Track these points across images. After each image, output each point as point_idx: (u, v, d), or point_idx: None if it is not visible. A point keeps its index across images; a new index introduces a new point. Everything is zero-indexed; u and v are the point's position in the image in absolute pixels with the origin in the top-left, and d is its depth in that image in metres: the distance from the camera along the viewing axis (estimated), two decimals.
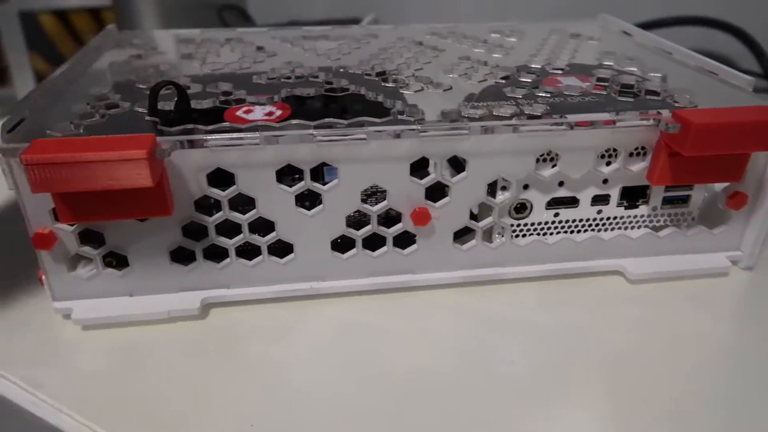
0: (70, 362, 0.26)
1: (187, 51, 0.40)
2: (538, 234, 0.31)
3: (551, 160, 0.29)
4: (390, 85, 0.32)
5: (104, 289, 0.28)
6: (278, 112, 0.29)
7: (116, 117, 0.28)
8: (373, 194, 0.29)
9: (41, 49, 0.74)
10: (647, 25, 0.57)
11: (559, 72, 0.35)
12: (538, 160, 0.29)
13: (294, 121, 0.27)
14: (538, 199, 0.30)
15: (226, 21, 0.72)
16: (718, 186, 0.32)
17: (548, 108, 0.29)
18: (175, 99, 0.28)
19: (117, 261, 0.28)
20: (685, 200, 0.31)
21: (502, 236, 0.30)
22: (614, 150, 0.29)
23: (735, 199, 0.30)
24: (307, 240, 0.29)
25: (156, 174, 0.24)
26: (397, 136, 0.27)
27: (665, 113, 0.28)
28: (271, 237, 0.28)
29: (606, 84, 0.32)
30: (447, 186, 0.28)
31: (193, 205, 0.27)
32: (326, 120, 0.27)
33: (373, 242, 0.29)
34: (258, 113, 0.29)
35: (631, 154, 0.29)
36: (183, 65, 0.37)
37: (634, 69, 0.35)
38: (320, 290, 0.30)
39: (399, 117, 0.28)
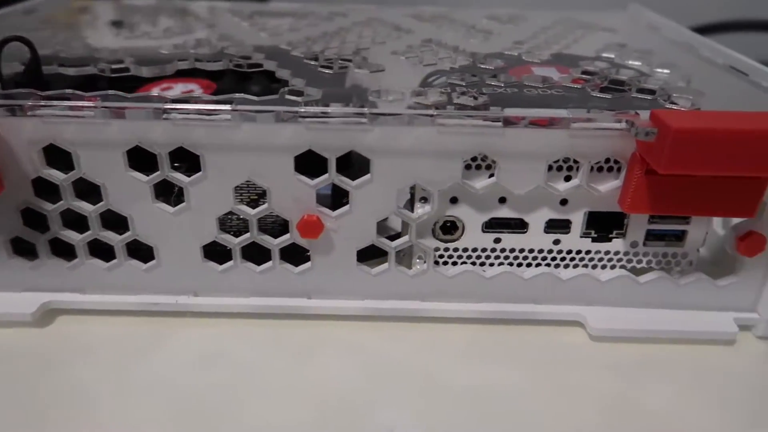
0: None
1: (118, 19, 0.35)
2: (473, 264, 0.24)
3: (487, 167, 0.22)
4: (312, 63, 0.26)
5: None
6: (199, 91, 0.24)
7: None
8: (264, 194, 0.24)
9: None
10: (713, 28, 0.48)
11: (537, 62, 0.27)
12: (469, 167, 0.22)
13: (155, 94, 0.22)
14: (471, 217, 0.23)
15: None
16: (727, 221, 0.24)
17: (487, 99, 0.22)
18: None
19: None
20: (679, 237, 0.23)
21: (424, 262, 0.24)
22: (575, 161, 0.22)
23: (748, 242, 0.22)
24: (173, 244, 0.23)
25: None
26: (281, 120, 0.21)
27: (644, 114, 0.20)
28: (126, 236, 0.23)
29: (588, 78, 0.25)
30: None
31: (31, 188, 0.22)
32: (187, 95, 0.21)
33: (264, 256, 0.24)
34: (177, 91, 0.25)
35: (600, 169, 0.22)
36: (95, 34, 0.33)
37: (638, 63, 0.27)
38: (188, 307, 0.24)
39: (287, 97, 0.22)
